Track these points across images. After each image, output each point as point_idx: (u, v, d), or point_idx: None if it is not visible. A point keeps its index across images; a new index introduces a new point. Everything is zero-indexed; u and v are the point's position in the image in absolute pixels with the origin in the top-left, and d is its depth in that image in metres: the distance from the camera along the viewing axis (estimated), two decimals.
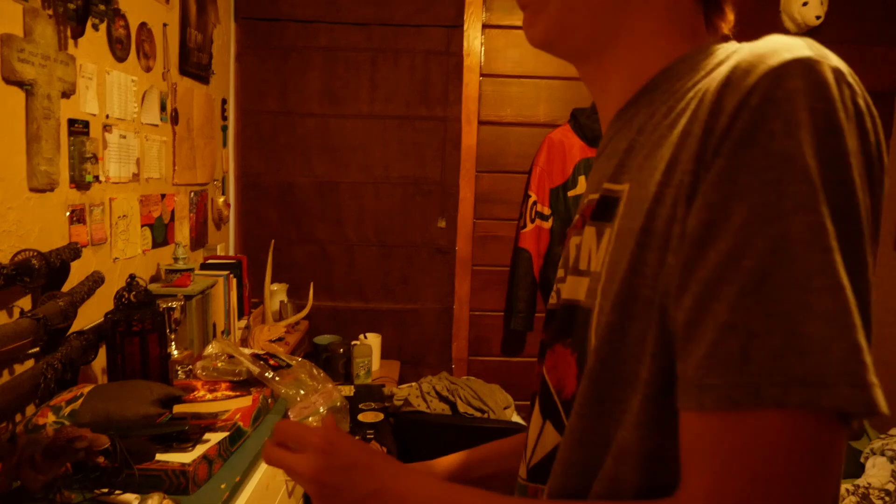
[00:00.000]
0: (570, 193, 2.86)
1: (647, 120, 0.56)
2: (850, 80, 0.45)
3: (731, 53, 0.51)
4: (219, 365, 1.59)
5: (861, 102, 0.45)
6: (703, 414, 0.43)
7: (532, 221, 2.88)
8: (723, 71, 0.47)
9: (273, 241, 2.74)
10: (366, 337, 2.76)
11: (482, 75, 2.93)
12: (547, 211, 2.89)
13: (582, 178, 2.83)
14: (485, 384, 2.42)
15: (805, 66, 0.43)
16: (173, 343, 1.71)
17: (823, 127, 0.42)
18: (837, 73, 0.44)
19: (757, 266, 0.41)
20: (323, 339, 2.73)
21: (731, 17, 0.62)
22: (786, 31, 2.94)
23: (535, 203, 2.87)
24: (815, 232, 0.41)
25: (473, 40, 2.90)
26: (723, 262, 0.43)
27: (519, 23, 2.89)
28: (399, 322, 3.04)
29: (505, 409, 2.29)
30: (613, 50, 0.61)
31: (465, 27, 2.89)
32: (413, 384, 2.38)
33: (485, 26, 2.90)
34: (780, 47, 0.45)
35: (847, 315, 0.40)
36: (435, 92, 2.91)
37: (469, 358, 3.08)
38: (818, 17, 2.83)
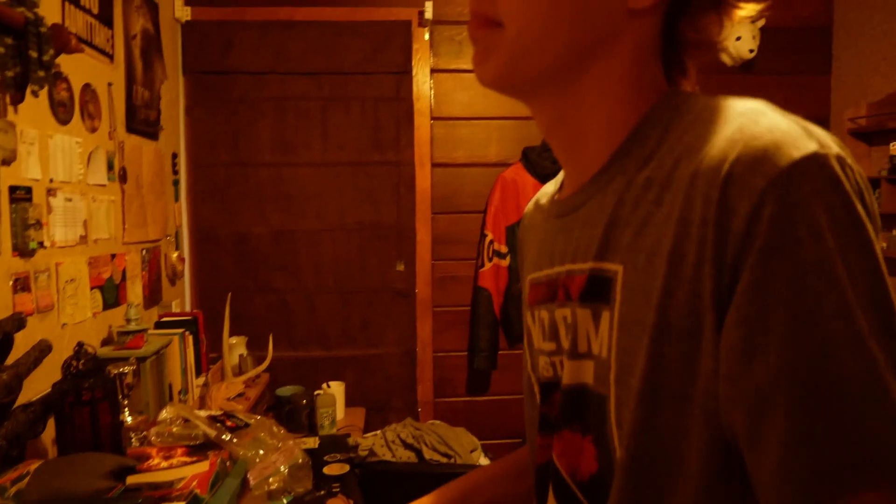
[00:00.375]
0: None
1: (625, 190, 0.55)
2: (850, 162, 0.45)
3: (702, 113, 0.51)
4: (174, 430, 1.55)
5: (861, 182, 0.45)
6: None
7: (490, 260, 2.90)
8: (715, 157, 0.47)
9: (230, 293, 2.70)
10: (329, 386, 2.72)
11: (433, 119, 2.97)
12: (504, 249, 2.92)
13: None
14: (450, 428, 2.40)
15: (816, 165, 0.43)
16: (126, 409, 1.67)
17: (845, 223, 0.43)
18: (841, 161, 0.44)
19: (805, 379, 0.42)
20: (285, 391, 2.68)
21: (693, 75, 0.61)
22: (722, 65, 3.06)
23: (491, 242, 2.90)
24: (854, 336, 0.41)
25: (422, 85, 2.95)
26: (771, 376, 0.43)
27: (466, 66, 2.96)
28: (362, 368, 3.01)
29: (472, 452, 2.27)
30: (573, 98, 0.59)
31: (414, 73, 2.93)
32: (378, 433, 2.35)
33: (433, 71, 2.96)
34: (782, 140, 0.44)
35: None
36: (387, 137, 2.94)
37: (434, 400, 3.06)
38: (751, 51, 2.96)
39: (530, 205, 0.79)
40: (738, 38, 2.96)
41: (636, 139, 0.56)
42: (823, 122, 3.16)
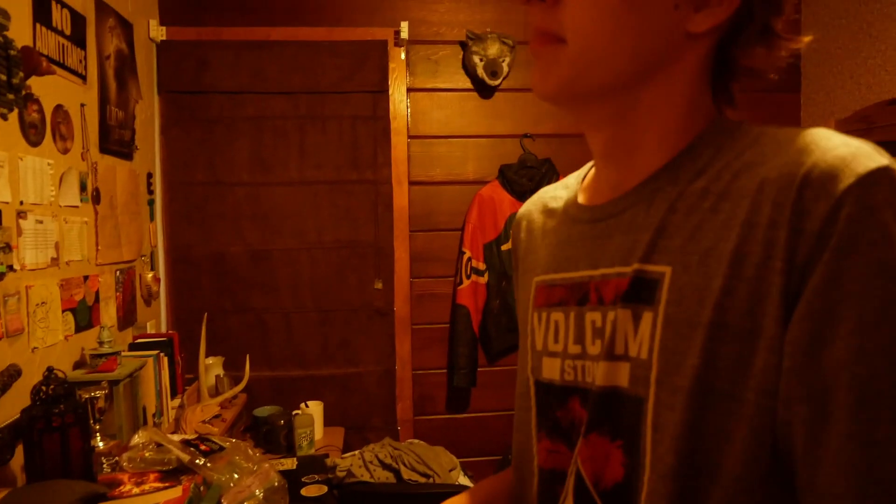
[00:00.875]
0: (504, 248, 2.91)
1: (678, 199, 0.57)
2: None
3: (761, 137, 0.55)
4: (146, 455, 1.53)
5: None
6: None
7: (468, 277, 2.91)
8: (788, 165, 0.49)
9: (206, 313, 2.68)
10: (307, 405, 2.70)
11: (410, 137, 2.98)
12: (482, 266, 2.93)
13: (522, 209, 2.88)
14: (429, 447, 2.39)
15: (889, 176, 0.46)
16: (98, 434, 1.64)
17: None
18: None
19: (870, 373, 0.43)
20: (263, 411, 2.66)
21: (735, 102, 0.64)
22: None
23: (469, 259, 2.91)
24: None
25: (399, 104, 2.96)
26: (836, 370, 0.44)
27: (442, 85, 2.98)
28: (341, 387, 2.99)
29: (451, 471, 2.26)
30: (628, 116, 0.60)
31: (391, 92, 2.95)
32: (356, 453, 2.33)
33: (409, 90, 2.98)
34: (857, 152, 0.47)
35: None
36: (364, 156, 2.94)
37: (414, 418, 3.05)
38: None
39: (531, 208, 0.80)
40: None
41: (689, 155, 0.59)
42: None
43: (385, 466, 2.22)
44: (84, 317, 2.07)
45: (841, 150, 0.48)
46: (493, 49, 2.87)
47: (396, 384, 3.02)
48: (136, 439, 1.60)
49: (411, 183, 2.98)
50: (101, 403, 1.66)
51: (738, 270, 0.50)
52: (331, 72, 2.91)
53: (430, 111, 3.00)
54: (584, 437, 0.60)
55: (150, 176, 2.77)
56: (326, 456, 2.47)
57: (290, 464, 2.37)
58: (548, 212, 0.75)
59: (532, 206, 0.79)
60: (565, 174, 2.93)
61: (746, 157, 0.54)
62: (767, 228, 0.49)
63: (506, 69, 2.90)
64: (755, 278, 0.49)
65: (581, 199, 0.69)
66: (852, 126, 2.83)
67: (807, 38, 0.59)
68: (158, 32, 2.81)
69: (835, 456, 0.44)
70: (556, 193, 0.76)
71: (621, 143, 0.62)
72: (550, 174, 2.92)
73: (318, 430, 2.71)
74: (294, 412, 2.60)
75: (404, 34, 2.91)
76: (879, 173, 0.45)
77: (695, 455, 0.51)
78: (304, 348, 2.97)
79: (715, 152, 0.57)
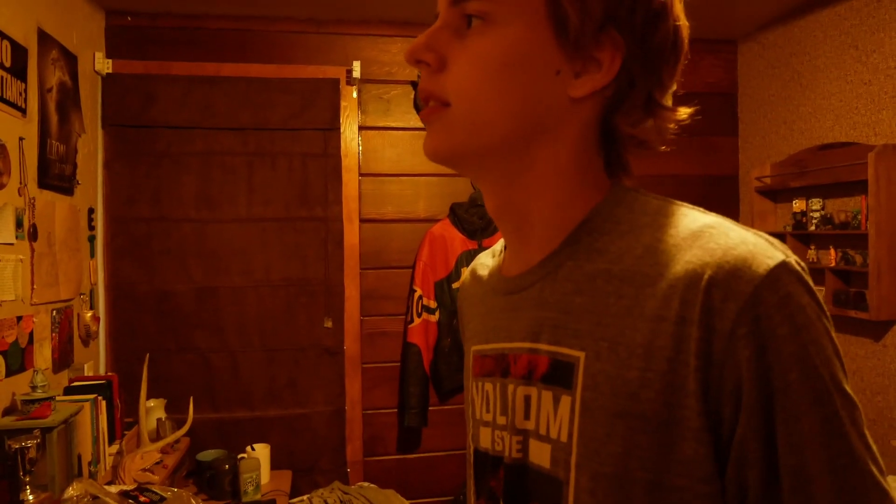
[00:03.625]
0: (455, 285, 2.91)
1: (582, 279, 0.58)
2: (802, 263, 0.52)
3: (658, 217, 0.57)
4: None
5: (808, 275, 0.53)
6: None
7: (419, 315, 2.90)
8: (692, 263, 0.52)
9: (148, 353, 2.58)
10: (253, 448, 2.62)
11: (361, 175, 2.98)
12: (433, 304, 2.92)
13: (465, 270, 2.90)
14: (379, 490, 2.34)
15: (787, 271, 0.50)
16: (28, 487, 1.55)
17: (816, 314, 0.50)
18: (800, 265, 0.52)
19: (800, 462, 0.49)
20: (206, 456, 2.56)
21: (630, 171, 0.65)
22: None
23: (420, 297, 2.90)
24: (836, 422, 0.49)
25: (350, 142, 2.96)
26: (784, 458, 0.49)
27: (393, 124, 3.00)
28: (288, 429, 2.91)
29: None
30: (520, 181, 0.61)
31: (342, 129, 2.95)
32: (304, 498, 2.27)
33: (361, 128, 2.98)
34: (755, 251, 0.51)
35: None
36: (314, 193, 2.92)
37: (364, 459, 2.99)
38: None
39: (467, 275, 0.81)
40: None
41: (586, 229, 0.60)
42: (733, 181, 3.36)
43: None
44: (16, 360, 1.96)
45: (740, 249, 0.51)
46: None
47: (346, 424, 2.96)
48: (70, 492, 1.52)
49: (362, 220, 2.97)
50: (32, 453, 1.57)
51: (650, 363, 0.52)
52: (281, 109, 2.90)
53: (381, 149, 3.01)
54: None
55: (91, 211, 2.68)
56: (273, 501, 2.39)
57: None
58: (476, 280, 0.76)
59: (468, 275, 0.80)
60: None
61: (646, 239, 0.56)
62: (677, 324, 0.51)
63: None
64: (669, 372, 0.51)
65: (503, 269, 0.70)
66: (787, 169, 2.97)
67: (689, 110, 0.61)
68: (104, 65, 2.76)
69: None
70: (485, 261, 0.77)
71: (518, 212, 0.63)
72: None
73: (265, 475, 2.62)
74: (240, 456, 2.51)
75: (356, 73, 2.93)
76: (778, 270, 0.50)
77: None
78: (250, 389, 2.89)
79: (613, 227, 0.59)
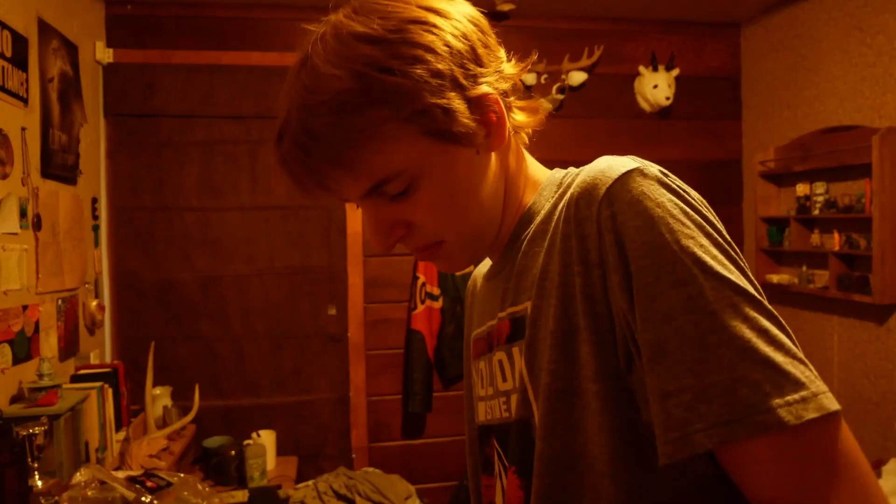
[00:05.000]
0: (458, 273, 2.92)
1: (525, 249, 0.67)
2: (671, 175, 0.58)
3: (569, 176, 0.66)
4: (89, 494, 1.47)
5: (680, 183, 0.58)
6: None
7: (422, 302, 2.90)
8: (573, 191, 0.60)
9: (153, 342, 2.59)
10: (259, 435, 2.64)
11: None
12: (436, 291, 2.93)
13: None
14: (384, 475, 2.36)
15: (639, 172, 0.56)
16: (36, 473, 1.57)
17: (676, 212, 0.54)
18: (662, 171, 0.57)
19: (657, 336, 0.52)
20: (212, 442, 2.58)
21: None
22: (641, 111, 3.20)
23: (423, 284, 2.90)
24: (700, 302, 0.51)
25: None
26: (646, 329, 0.53)
27: None
28: (294, 415, 2.93)
29: (406, 499, 2.23)
30: (501, 215, 0.70)
31: None
32: (309, 483, 2.29)
33: None
34: (612, 165, 0.58)
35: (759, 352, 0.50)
36: None
37: (369, 445, 3.01)
38: (668, 98, 3.11)
39: (476, 273, 0.88)
40: (656, 87, 3.11)
41: (533, 208, 0.69)
42: (736, 165, 3.35)
43: (340, 497, 2.18)
44: (22, 348, 1.98)
45: (599, 166, 0.59)
46: None
47: (351, 411, 2.97)
48: (78, 477, 1.53)
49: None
50: (39, 440, 1.58)
51: (554, 284, 0.60)
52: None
53: None
54: (507, 474, 0.66)
55: (94, 201, 2.69)
56: (279, 487, 2.41)
57: (241, 496, 2.31)
58: (480, 277, 0.84)
59: (476, 272, 0.88)
60: None
61: (554, 200, 0.66)
62: (563, 242, 0.59)
63: None
64: (562, 284, 0.59)
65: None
66: (790, 153, 2.95)
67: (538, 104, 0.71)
68: (105, 55, 2.75)
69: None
70: (483, 268, 0.84)
71: (490, 230, 0.71)
72: None
73: (271, 461, 2.65)
74: (245, 442, 2.54)
75: None
76: (629, 173, 0.56)
77: (555, 453, 0.58)
78: (255, 376, 2.91)
79: (549, 197, 0.68)
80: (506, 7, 2.89)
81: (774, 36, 3.12)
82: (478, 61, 0.62)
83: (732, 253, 0.55)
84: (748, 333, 0.50)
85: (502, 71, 0.65)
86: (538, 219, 0.67)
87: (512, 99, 0.67)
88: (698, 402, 0.49)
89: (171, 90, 2.83)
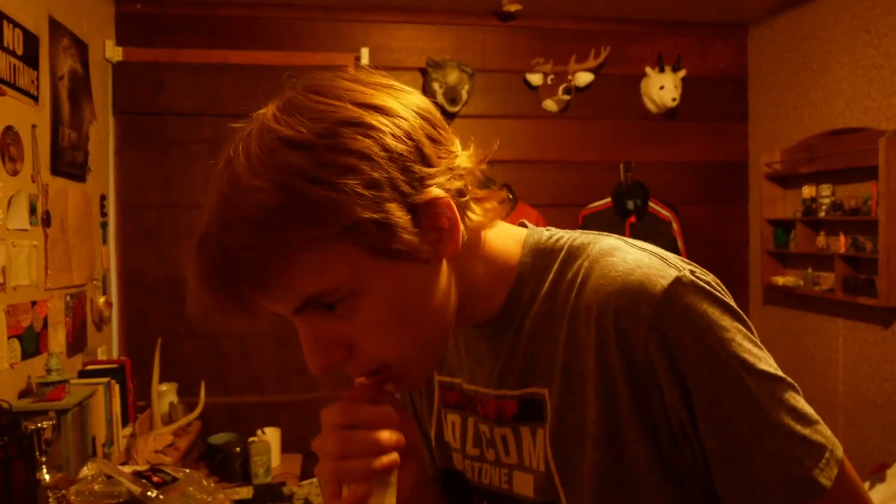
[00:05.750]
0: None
1: (528, 326, 0.64)
2: (698, 270, 0.59)
3: (569, 259, 0.64)
4: (96, 488, 1.49)
5: (709, 278, 0.60)
6: None
7: None
8: (600, 293, 0.59)
9: (160, 338, 2.61)
10: (264, 432, 2.66)
11: None
12: None
13: None
14: None
15: (682, 285, 0.57)
16: (44, 466, 1.58)
17: (716, 319, 0.57)
18: (693, 273, 0.58)
19: (722, 441, 0.57)
20: (218, 439, 2.60)
21: (515, 204, 0.71)
22: (648, 112, 3.20)
23: None
24: (751, 401, 0.56)
25: None
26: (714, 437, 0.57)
27: None
28: (298, 413, 2.95)
29: None
30: (453, 320, 0.63)
31: None
32: (314, 480, 2.30)
33: None
34: (650, 273, 0.58)
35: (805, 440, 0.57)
36: None
37: None
38: (674, 100, 3.11)
39: None
40: (662, 88, 3.11)
41: (522, 283, 0.65)
42: (742, 167, 3.34)
43: None
44: (31, 344, 2.00)
45: (637, 274, 0.58)
46: (453, 76, 2.91)
47: None
48: (85, 471, 1.55)
49: None
50: (47, 434, 1.60)
51: (589, 386, 0.60)
52: None
53: None
54: None
55: (103, 198, 2.71)
56: (283, 484, 2.42)
57: (245, 493, 2.32)
58: None
59: None
60: (523, 199, 2.98)
61: (569, 277, 0.63)
62: (598, 349, 0.59)
63: (465, 96, 2.95)
64: (602, 391, 0.59)
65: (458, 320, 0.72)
66: (797, 155, 2.95)
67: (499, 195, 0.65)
68: (114, 53, 2.78)
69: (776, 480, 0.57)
70: None
71: (465, 305, 0.65)
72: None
73: (275, 458, 2.66)
74: (250, 439, 2.55)
75: (364, 60, 2.93)
76: (673, 287, 0.57)
77: None
78: (260, 373, 2.92)
79: (540, 275, 0.65)
80: (512, 8, 2.90)
81: (781, 37, 3.11)
82: (425, 161, 0.56)
83: (755, 338, 0.59)
84: (787, 419, 0.56)
85: (455, 167, 0.58)
86: (540, 296, 0.64)
87: (468, 197, 0.60)
88: (765, 493, 0.56)
89: (179, 89, 2.85)
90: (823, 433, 0.58)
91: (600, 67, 3.12)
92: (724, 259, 3.31)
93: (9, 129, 1.90)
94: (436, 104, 0.63)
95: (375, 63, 2.99)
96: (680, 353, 0.56)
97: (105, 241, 2.73)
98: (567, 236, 0.66)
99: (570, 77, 3.09)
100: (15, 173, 1.94)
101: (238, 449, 2.50)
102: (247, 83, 2.88)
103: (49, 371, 1.90)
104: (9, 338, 1.87)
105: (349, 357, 0.58)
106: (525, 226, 0.70)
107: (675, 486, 0.59)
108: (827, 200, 2.76)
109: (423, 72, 2.98)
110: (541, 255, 0.66)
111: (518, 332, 0.65)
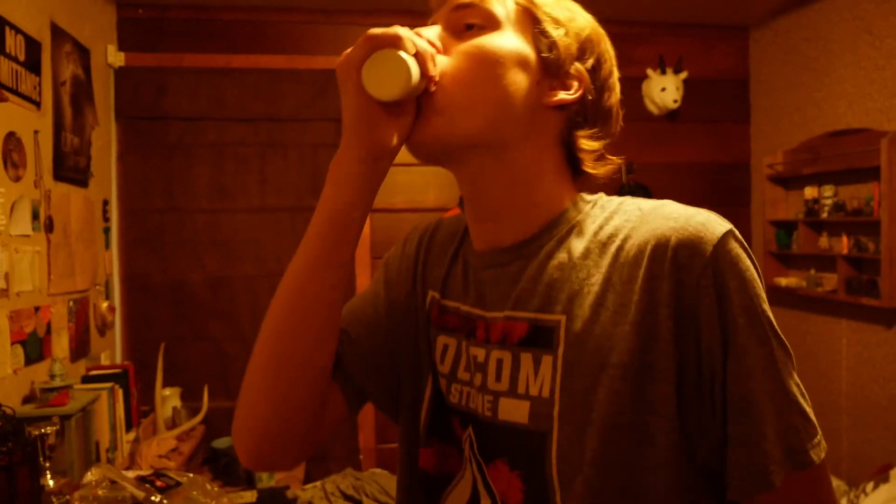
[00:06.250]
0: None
1: (560, 258, 0.66)
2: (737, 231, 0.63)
3: (622, 206, 0.68)
4: (100, 493, 1.49)
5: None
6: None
7: None
8: (660, 230, 0.62)
9: (163, 343, 2.62)
10: None
11: None
12: None
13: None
14: (391, 477, 2.37)
15: (734, 236, 0.61)
16: (48, 472, 1.59)
17: (756, 277, 0.61)
18: (736, 232, 0.62)
19: (749, 387, 0.59)
20: (221, 443, 2.60)
21: (592, 181, 0.73)
22: (650, 114, 3.20)
23: None
24: (772, 361, 0.60)
25: None
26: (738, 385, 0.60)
27: None
28: None
29: None
30: (505, 177, 0.68)
31: None
32: (317, 484, 2.30)
33: None
34: (707, 221, 0.62)
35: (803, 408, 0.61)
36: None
37: (377, 446, 3.02)
38: (676, 101, 3.11)
39: (434, 225, 0.83)
40: (664, 89, 3.11)
41: (564, 217, 0.69)
42: (745, 168, 3.34)
43: (347, 497, 2.20)
44: (34, 349, 2.00)
45: (698, 218, 0.62)
46: None
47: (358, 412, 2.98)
48: (89, 477, 1.55)
49: (372, 210, 2.97)
50: (51, 440, 1.60)
51: (626, 317, 0.61)
52: (292, 99, 2.91)
53: None
54: (492, 463, 0.67)
55: (106, 203, 2.72)
56: (287, 488, 2.42)
57: (249, 497, 2.32)
58: (448, 236, 0.80)
59: (437, 226, 0.83)
60: None
61: (616, 222, 0.66)
62: (647, 280, 0.61)
63: None
64: (642, 322, 0.60)
65: (475, 244, 0.74)
66: (799, 156, 2.95)
67: (619, 160, 0.73)
68: (116, 58, 2.78)
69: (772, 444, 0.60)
70: (452, 228, 0.81)
71: (493, 198, 0.69)
72: None
73: None
74: None
75: None
76: (729, 235, 0.61)
77: (600, 478, 0.60)
78: None
79: (585, 217, 0.68)
80: None
81: (783, 39, 3.11)
82: (600, 69, 0.70)
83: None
84: (794, 389, 0.60)
85: (611, 88, 0.72)
86: (583, 231, 0.67)
87: (585, 129, 0.70)
88: (771, 448, 0.58)
89: (181, 93, 2.85)
90: (814, 418, 0.61)
91: None
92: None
93: (11, 134, 1.90)
94: None
95: None
96: (727, 296, 0.59)
97: (108, 245, 2.73)
98: (620, 197, 0.71)
99: None
100: (17, 179, 1.95)
101: None
102: (249, 87, 2.89)
103: (52, 377, 1.90)
104: (12, 344, 1.87)
105: (432, 57, 0.64)
106: None
107: (685, 438, 0.61)
108: (829, 201, 2.76)
109: None
110: (591, 205, 0.70)
111: (549, 257, 0.67)
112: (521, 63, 0.66)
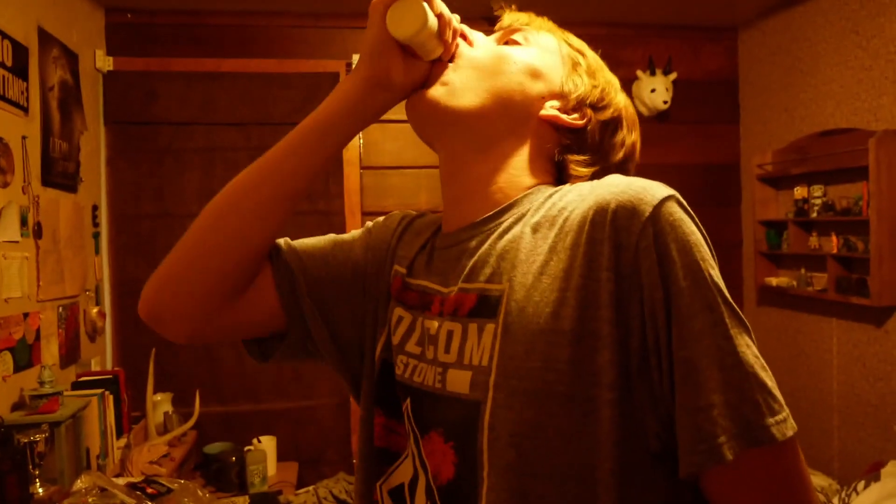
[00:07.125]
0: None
1: (514, 232, 0.67)
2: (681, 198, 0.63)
3: (574, 187, 0.67)
4: (90, 501, 1.48)
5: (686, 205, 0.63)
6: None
7: None
8: (601, 197, 0.62)
9: (154, 348, 2.60)
10: (259, 441, 2.65)
11: (362, 168, 2.99)
12: None
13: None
14: None
15: (675, 200, 0.60)
16: (37, 480, 1.57)
17: (702, 243, 0.60)
18: (680, 197, 0.62)
19: (690, 354, 0.57)
20: (213, 448, 2.59)
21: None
22: (639, 115, 3.21)
23: None
24: (723, 327, 0.57)
25: None
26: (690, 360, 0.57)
27: (394, 117, 3.00)
28: (294, 421, 2.94)
29: None
30: (489, 157, 0.72)
31: None
32: (310, 489, 2.29)
33: None
34: (650, 186, 0.61)
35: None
36: (316, 186, 2.94)
37: None
38: (665, 102, 3.12)
39: (420, 214, 0.87)
40: (653, 91, 3.12)
41: (526, 199, 0.71)
42: (734, 169, 3.36)
43: (340, 502, 2.19)
44: (23, 356, 1.99)
45: (639, 183, 0.62)
46: None
47: (351, 416, 2.98)
48: (79, 484, 1.54)
49: (364, 213, 2.98)
50: (40, 447, 1.59)
51: (568, 283, 0.60)
52: (282, 103, 2.91)
53: (382, 142, 3.01)
54: (427, 435, 0.67)
55: (95, 208, 2.70)
56: (280, 493, 2.41)
57: (242, 502, 2.31)
58: (426, 224, 0.84)
59: (420, 216, 0.87)
60: None
61: (567, 199, 0.66)
62: (589, 245, 0.60)
63: None
64: (584, 288, 0.59)
65: (443, 226, 0.78)
66: (788, 156, 2.96)
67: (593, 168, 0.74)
68: (105, 63, 2.77)
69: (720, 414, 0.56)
70: (434, 220, 0.84)
71: (469, 178, 0.73)
72: None
73: (271, 466, 2.65)
74: (246, 448, 2.54)
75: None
76: (670, 199, 0.60)
77: (534, 451, 0.58)
78: (256, 382, 2.91)
79: (545, 199, 0.69)
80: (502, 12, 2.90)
81: (771, 39, 3.13)
82: (607, 111, 0.75)
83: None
84: (751, 360, 0.57)
85: (616, 149, 0.76)
86: (537, 207, 0.68)
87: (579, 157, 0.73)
88: (721, 418, 0.55)
89: (171, 98, 2.84)
90: (780, 395, 0.58)
91: None
92: (717, 260, 3.32)
93: None
94: None
95: None
96: (668, 257, 0.58)
97: (98, 251, 2.71)
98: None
99: None
100: (5, 185, 1.93)
101: (234, 458, 2.49)
102: (239, 91, 2.88)
103: (42, 383, 1.89)
104: (0, 350, 1.86)
105: (452, 27, 0.71)
106: None
107: (634, 413, 0.58)
108: (818, 201, 2.77)
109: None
110: (550, 189, 0.71)
111: (504, 233, 0.68)
112: (533, 73, 0.73)
